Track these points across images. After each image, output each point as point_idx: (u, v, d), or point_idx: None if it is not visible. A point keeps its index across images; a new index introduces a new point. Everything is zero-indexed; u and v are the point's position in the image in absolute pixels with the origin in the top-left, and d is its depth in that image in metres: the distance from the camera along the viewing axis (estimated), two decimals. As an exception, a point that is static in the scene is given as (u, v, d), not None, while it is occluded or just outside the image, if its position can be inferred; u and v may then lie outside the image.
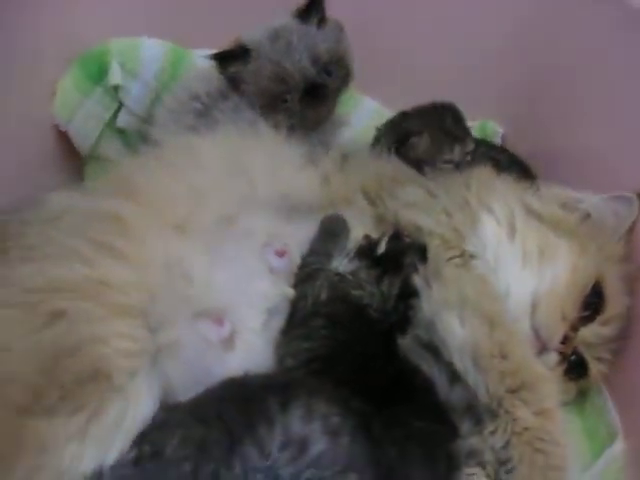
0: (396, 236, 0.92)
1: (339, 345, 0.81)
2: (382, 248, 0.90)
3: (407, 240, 0.92)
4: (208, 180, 0.89)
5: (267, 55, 1.03)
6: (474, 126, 1.31)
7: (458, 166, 1.11)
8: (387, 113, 1.32)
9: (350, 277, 0.87)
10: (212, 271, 0.84)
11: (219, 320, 0.81)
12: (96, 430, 0.68)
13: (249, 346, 0.84)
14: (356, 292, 0.85)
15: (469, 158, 1.13)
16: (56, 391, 0.68)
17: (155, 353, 0.76)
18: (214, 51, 1.06)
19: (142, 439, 0.69)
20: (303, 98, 1.05)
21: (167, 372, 0.77)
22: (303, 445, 0.65)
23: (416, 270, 0.87)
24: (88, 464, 0.67)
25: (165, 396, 0.76)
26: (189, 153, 0.94)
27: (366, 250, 0.90)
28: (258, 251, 0.89)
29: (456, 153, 1.14)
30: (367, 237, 0.93)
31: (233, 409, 0.69)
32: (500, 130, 1.32)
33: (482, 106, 1.32)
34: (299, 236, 0.94)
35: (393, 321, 0.85)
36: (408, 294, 0.86)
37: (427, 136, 1.15)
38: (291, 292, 0.88)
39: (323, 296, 0.85)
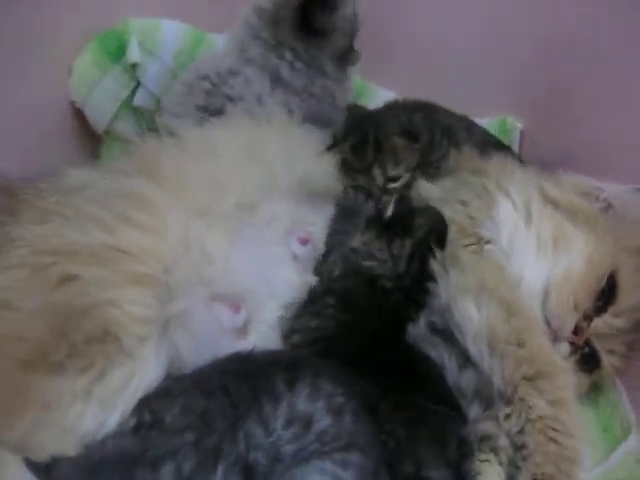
0: (401, 198, 0.93)
1: (344, 328, 0.81)
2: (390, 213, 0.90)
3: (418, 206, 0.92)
4: (227, 170, 0.88)
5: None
6: (492, 123, 1.30)
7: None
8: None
9: (363, 248, 0.87)
10: (233, 254, 0.83)
11: (235, 307, 0.81)
12: (101, 391, 0.69)
13: (263, 337, 0.83)
14: (367, 263, 0.86)
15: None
16: (64, 349, 0.68)
17: (166, 323, 0.76)
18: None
19: (142, 406, 0.68)
20: None
21: (177, 344, 0.77)
22: (307, 422, 0.65)
23: (434, 256, 0.86)
24: (90, 424, 0.67)
25: (172, 368, 0.76)
26: (206, 143, 0.93)
27: (375, 219, 0.90)
28: (281, 237, 0.90)
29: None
30: (376, 207, 0.94)
31: (238, 383, 0.69)
32: (519, 125, 1.30)
33: (499, 102, 1.30)
34: (322, 223, 0.95)
35: (406, 286, 0.84)
36: (423, 268, 0.85)
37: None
38: (314, 281, 0.88)
39: (336, 272, 0.86)
